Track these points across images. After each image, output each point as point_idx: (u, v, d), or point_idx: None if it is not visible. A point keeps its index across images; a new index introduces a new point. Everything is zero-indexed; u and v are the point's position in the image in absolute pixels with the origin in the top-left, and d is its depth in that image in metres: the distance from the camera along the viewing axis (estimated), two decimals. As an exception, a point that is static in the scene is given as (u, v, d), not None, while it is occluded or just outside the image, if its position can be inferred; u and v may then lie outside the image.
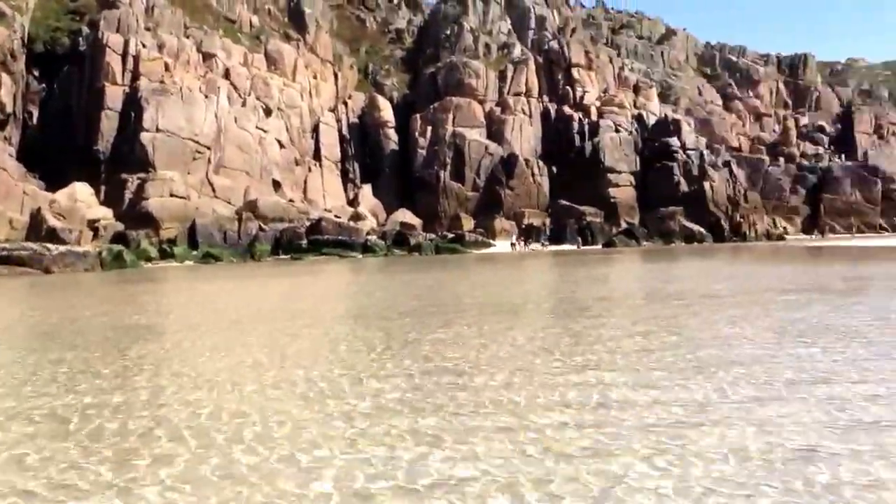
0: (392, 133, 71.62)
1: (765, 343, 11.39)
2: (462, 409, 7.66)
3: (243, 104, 60.42)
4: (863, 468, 5.74)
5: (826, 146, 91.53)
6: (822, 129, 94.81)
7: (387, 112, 72.29)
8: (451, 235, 60.23)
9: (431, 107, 71.26)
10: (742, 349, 10.89)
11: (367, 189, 67.21)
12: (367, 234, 55.30)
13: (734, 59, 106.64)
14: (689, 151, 71.43)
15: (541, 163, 69.93)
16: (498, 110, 72.58)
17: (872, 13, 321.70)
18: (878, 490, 5.32)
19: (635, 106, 79.21)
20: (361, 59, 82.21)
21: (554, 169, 69.56)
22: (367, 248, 52.60)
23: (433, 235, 59.96)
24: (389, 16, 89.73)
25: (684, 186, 69.39)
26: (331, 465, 6.01)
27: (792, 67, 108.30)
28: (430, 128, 70.00)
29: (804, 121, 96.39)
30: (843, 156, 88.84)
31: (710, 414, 7.27)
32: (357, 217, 58.89)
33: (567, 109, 73.74)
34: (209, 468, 5.98)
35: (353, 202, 65.15)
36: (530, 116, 73.25)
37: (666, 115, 77.35)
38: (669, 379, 8.88)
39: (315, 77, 70.39)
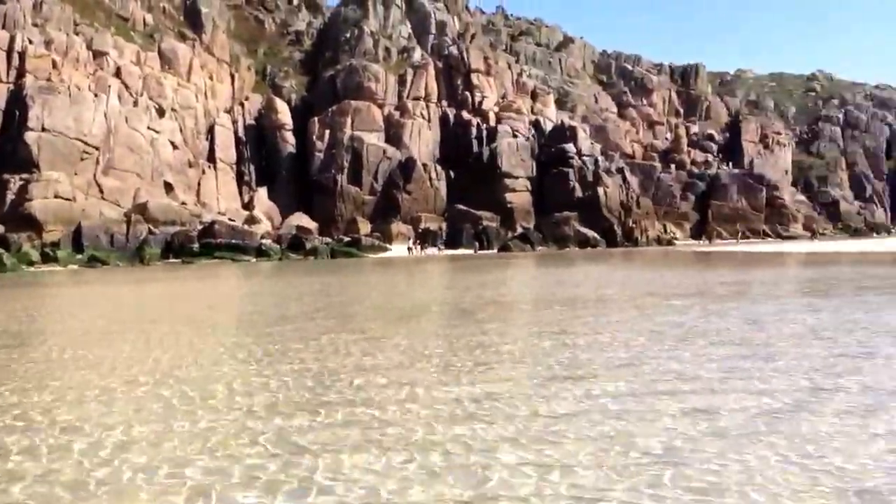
0: (289, 136, 70.79)
1: (637, 347, 11.52)
2: (315, 416, 7.45)
3: (135, 104, 58.75)
4: (708, 466, 5.78)
5: (715, 154, 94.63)
6: (711, 138, 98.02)
7: (284, 115, 71.41)
8: (347, 239, 59.77)
9: (330, 110, 70.71)
10: (615, 353, 10.98)
11: (262, 192, 66.17)
12: (262, 237, 54.47)
13: (629, 67, 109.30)
14: (584, 158, 72.74)
15: (438, 167, 70.14)
16: (397, 114, 72.47)
17: (761, 27, 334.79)
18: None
19: (532, 112, 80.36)
20: (259, 60, 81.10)
21: (451, 173, 69.87)
22: (261, 252, 51.81)
23: (329, 239, 59.48)
24: (289, 17, 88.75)
25: (579, 192, 70.58)
26: (153, 483, 5.70)
27: (684, 77, 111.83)
28: (328, 131, 69.44)
29: (694, 129, 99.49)
30: (730, 164, 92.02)
31: (565, 415, 7.25)
32: (252, 220, 57.91)
33: (465, 114, 74.21)
34: (23, 491, 5.60)
35: (248, 205, 64.04)
36: (429, 121, 73.39)
37: (562, 122, 78.67)
38: (532, 384, 8.87)
39: (211, 78, 69.00)
